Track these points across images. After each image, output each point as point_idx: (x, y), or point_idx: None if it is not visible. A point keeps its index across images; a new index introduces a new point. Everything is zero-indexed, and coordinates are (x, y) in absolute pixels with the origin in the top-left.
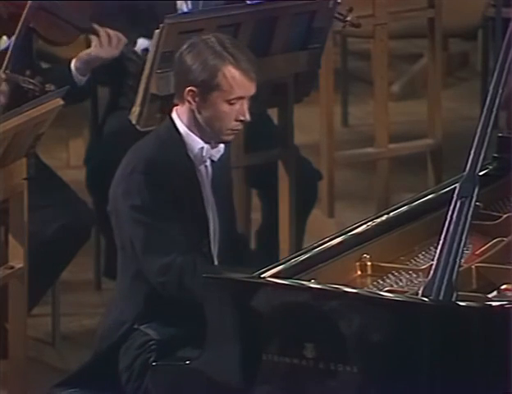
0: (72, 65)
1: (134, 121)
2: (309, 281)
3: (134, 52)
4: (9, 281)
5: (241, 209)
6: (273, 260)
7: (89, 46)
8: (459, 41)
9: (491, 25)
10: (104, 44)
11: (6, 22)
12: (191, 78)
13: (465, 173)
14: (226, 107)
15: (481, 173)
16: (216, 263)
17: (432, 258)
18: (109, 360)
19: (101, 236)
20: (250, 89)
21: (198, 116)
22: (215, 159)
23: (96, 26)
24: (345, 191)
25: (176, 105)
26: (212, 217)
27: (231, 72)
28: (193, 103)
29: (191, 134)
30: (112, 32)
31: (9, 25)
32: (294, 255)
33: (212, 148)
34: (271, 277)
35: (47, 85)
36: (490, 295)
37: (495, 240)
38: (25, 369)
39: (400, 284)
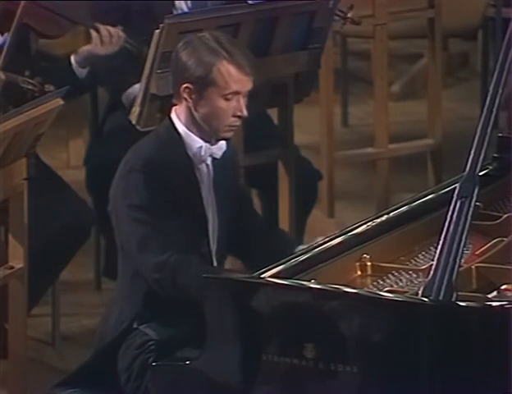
0: (72, 59)
1: (134, 121)
2: (309, 281)
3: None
4: (9, 281)
5: None
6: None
7: (88, 37)
8: (459, 41)
9: (491, 25)
10: (105, 41)
11: (0, 19)
12: (187, 75)
13: (465, 173)
14: (222, 102)
15: (481, 173)
16: (215, 262)
17: (431, 258)
18: (109, 360)
19: (101, 236)
20: (246, 83)
21: (195, 113)
22: (217, 157)
23: (96, 24)
24: (345, 191)
25: (175, 105)
26: (211, 216)
27: (226, 67)
28: (189, 100)
29: (190, 133)
30: (112, 29)
31: (3, 23)
32: (294, 255)
33: (213, 145)
34: (271, 277)
35: (46, 85)
36: (490, 296)
37: (495, 241)
38: (25, 369)
39: (400, 284)
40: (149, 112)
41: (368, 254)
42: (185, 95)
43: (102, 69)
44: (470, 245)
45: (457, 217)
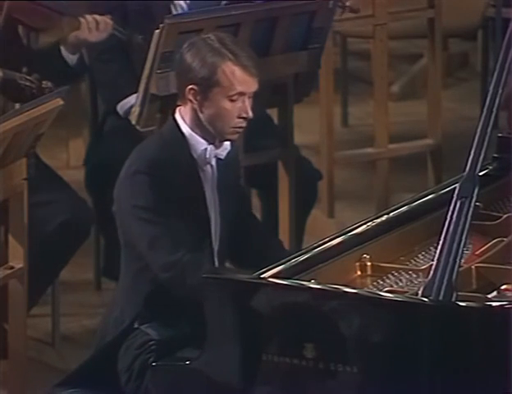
0: (61, 46)
1: (133, 122)
2: (309, 281)
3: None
4: (9, 282)
5: None
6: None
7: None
8: (459, 41)
9: (491, 25)
10: (92, 28)
11: None
12: (191, 76)
13: (465, 173)
14: (227, 103)
15: (481, 173)
16: (216, 263)
17: (431, 258)
18: (109, 360)
19: (101, 236)
20: (251, 84)
21: (200, 115)
22: (221, 157)
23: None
24: (345, 191)
25: (179, 105)
26: (213, 216)
27: (231, 68)
28: (194, 101)
29: (194, 134)
30: (99, 17)
31: None
32: (294, 255)
33: (217, 147)
34: (271, 277)
35: (43, 82)
36: (490, 296)
37: (495, 241)
38: (25, 369)
39: (400, 284)
40: (149, 112)
41: (367, 254)
42: (190, 96)
43: (97, 75)
44: (470, 245)
45: (457, 217)
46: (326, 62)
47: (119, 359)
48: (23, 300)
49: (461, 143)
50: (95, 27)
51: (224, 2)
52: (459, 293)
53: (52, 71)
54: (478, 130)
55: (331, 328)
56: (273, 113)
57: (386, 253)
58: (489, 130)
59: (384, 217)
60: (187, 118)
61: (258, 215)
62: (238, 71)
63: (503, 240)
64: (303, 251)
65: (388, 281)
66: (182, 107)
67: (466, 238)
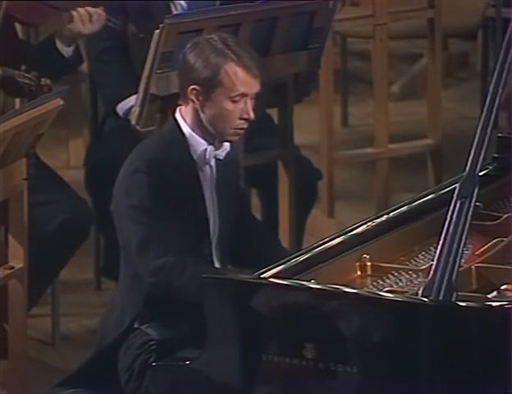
0: (56, 39)
1: (133, 122)
2: (309, 281)
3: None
4: (9, 282)
5: None
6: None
7: None
8: (458, 41)
9: (491, 26)
10: (86, 21)
11: None
12: (194, 76)
13: (465, 173)
14: (229, 104)
15: (481, 173)
16: (216, 263)
17: (431, 258)
18: (109, 360)
19: (100, 236)
20: (253, 86)
21: (202, 115)
22: (221, 158)
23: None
24: (345, 191)
25: (180, 105)
26: (212, 217)
27: (233, 69)
28: (196, 101)
29: (195, 135)
30: (92, 9)
31: None
32: (294, 255)
33: (217, 148)
34: (271, 277)
35: (42, 80)
36: (490, 296)
37: (495, 241)
38: (25, 369)
39: (400, 284)
40: (149, 112)
41: (367, 254)
42: (192, 97)
43: (96, 73)
44: (470, 245)
45: (457, 217)
46: (326, 62)
47: (119, 359)
48: (23, 300)
49: (461, 143)
50: (88, 19)
51: (218, 3)
52: (459, 293)
53: (48, 64)
54: (478, 130)
55: (331, 328)
56: (273, 113)
57: (386, 253)
58: (489, 130)
59: (384, 217)
60: (188, 118)
61: (258, 215)
62: (240, 72)
63: (503, 240)
64: (303, 251)
65: (388, 281)
66: (183, 107)
67: (466, 238)
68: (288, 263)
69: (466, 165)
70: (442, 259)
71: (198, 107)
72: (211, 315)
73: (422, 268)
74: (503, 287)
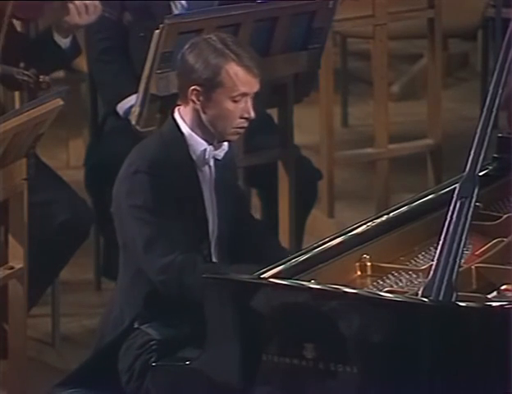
0: (54, 30)
1: (133, 122)
2: (309, 281)
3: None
4: (9, 282)
5: None
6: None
7: None
8: (458, 41)
9: (491, 26)
10: (82, 12)
11: None
12: (194, 77)
13: (465, 173)
14: (230, 104)
15: (481, 173)
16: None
17: (431, 258)
18: (109, 360)
19: (100, 236)
20: (254, 85)
21: (202, 115)
22: (219, 158)
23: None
24: (345, 191)
25: (178, 105)
26: (211, 218)
27: (234, 69)
28: (197, 102)
29: (194, 135)
30: (88, 1)
31: None
32: (294, 255)
33: (216, 148)
34: (271, 277)
35: (41, 77)
36: (490, 296)
37: (495, 241)
38: (25, 369)
39: (400, 284)
40: (149, 112)
41: (367, 255)
42: (193, 97)
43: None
44: (470, 246)
45: (457, 217)
46: (326, 62)
47: (119, 359)
48: (23, 301)
49: (461, 143)
50: (84, 11)
51: (217, 3)
52: (459, 293)
53: (46, 56)
54: (478, 130)
55: (331, 328)
56: (273, 113)
57: (386, 253)
58: (489, 130)
59: (384, 218)
60: (188, 118)
61: (258, 215)
62: (241, 72)
63: (503, 241)
64: (303, 251)
65: (388, 281)
66: (182, 107)
67: (466, 238)
68: (288, 263)
69: (466, 165)
70: (442, 259)
71: (198, 108)
72: (211, 315)
73: (422, 268)
74: (503, 287)
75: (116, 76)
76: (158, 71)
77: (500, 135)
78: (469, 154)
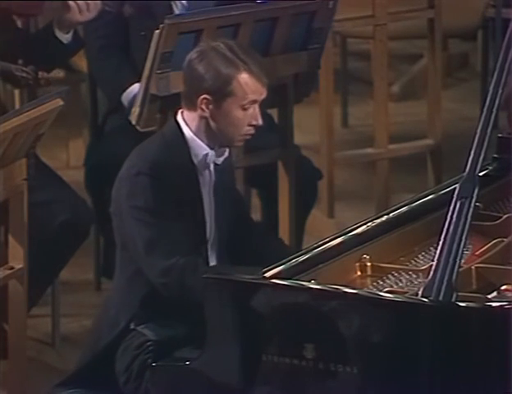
0: (54, 26)
1: (133, 122)
2: (309, 281)
3: None
4: (9, 282)
5: None
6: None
7: None
8: (458, 42)
9: (490, 26)
10: (83, 9)
11: None
12: (205, 86)
13: (465, 174)
14: (239, 112)
15: (481, 174)
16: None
17: (431, 258)
18: (108, 360)
19: (100, 237)
20: (262, 92)
21: (211, 123)
22: (219, 163)
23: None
24: (345, 191)
25: (180, 108)
26: (209, 222)
27: (244, 78)
28: (206, 110)
29: (197, 139)
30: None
31: None
32: (294, 256)
33: (218, 154)
34: (271, 277)
35: (39, 73)
36: (490, 296)
37: (495, 241)
38: (25, 369)
39: (400, 284)
40: (149, 112)
41: (367, 255)
42: (203, 106)
43: (95, 65)
44: (470, 246)
45: (457, 217)
46: (326, 62)
47: (117, 360)
48: (23, 301)
49: (461, 143)
50: (85, 8)
51: (214, 3)
52: (459, 293)
53: (48, 52)
54: (478, 130)
55: (331, 329)
56: (273, 113)
57: (386, 253)
58: (489, 130)
59: (384, 218)
60: (193, 124)
61: (258, 215)
62: (251, 81)
63: (503, 241)
64: (303, 251)
65: (388, 281)
66: (186, 112)
67: (466, 238)
68: (288, 263)
69: (466, 165)
70: (442, 260)
71: (207, 115)
72: (211, 315)
73: (422, 268)
74: (503, 288)
75: (116, 71)
76: (158, 71)
77: (500, 135)
78: (469, 154)
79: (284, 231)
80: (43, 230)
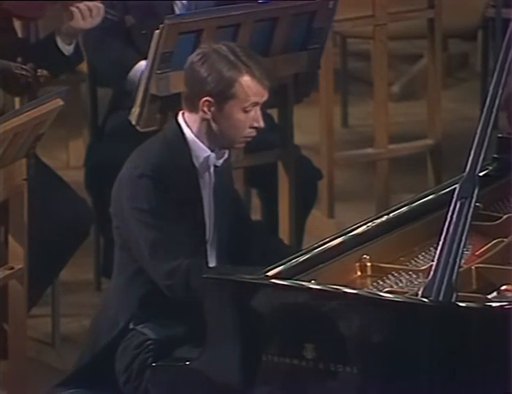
0: (57, 36)
1: (133, 122)
2: (309, 281)
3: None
4: (9, 282)
5: None
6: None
7: None
8: (458, 42)
9: (490, 26)
10: (86, 16)
11: None
12: (207, 89)
13: (465, 174)
14: (241, 115)
15: (481, 174)
16: None
17: (431, 258)
18: (108, 360)
19: (100, 236)
20: (264, 94)
21: (213, 125)
22: (219, 165)
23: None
24: (345, 191)
25: (181, 109)
26: (208, 224)
27: (247, 81)
28: (208, 112)
29: (198, 141)
30: (90, 3)
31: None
32: (294, 256)
33: (218, 156)
34: (271, 277)
35: (39, 71)
36: (490, 296)
37: (495, 241)
38: (25, 369)
39: (400, 285)
40: (149, 112)
41: (367, 255)
42: (205, 108)
43: (97, 59)
44: (470, 246)
45: (457, 217)
46: (326, 62)
47: (117, 359)
48: (23, 301)
49: (461, 143)
50: (88, 14)
51: (214, 3)
52: (459, 293)
53: (49, 63)
54: (478, 130)
55: (331, 329)
56: (273, 113)
57: (386, 253)
58: (489, 130)
59: (384, 218)
60: (194, 126)
61: (258, 215)
62: (253, 84)
63: (503, 241)
64: (303, 251)
65: (388, 281)
66: (187, 114)
67: (466, 238)
68: (288, 263)
69: (466, 165)
70: (442, 260)
71: (209, 118)
72: (211, 315)
73: (422, 268)
74: (503, 288)
75: (120, 52)
76: (158, 71)
77: (500, 135)
78: (469, 154)
79: (284, 231)
80: (43, 230)
